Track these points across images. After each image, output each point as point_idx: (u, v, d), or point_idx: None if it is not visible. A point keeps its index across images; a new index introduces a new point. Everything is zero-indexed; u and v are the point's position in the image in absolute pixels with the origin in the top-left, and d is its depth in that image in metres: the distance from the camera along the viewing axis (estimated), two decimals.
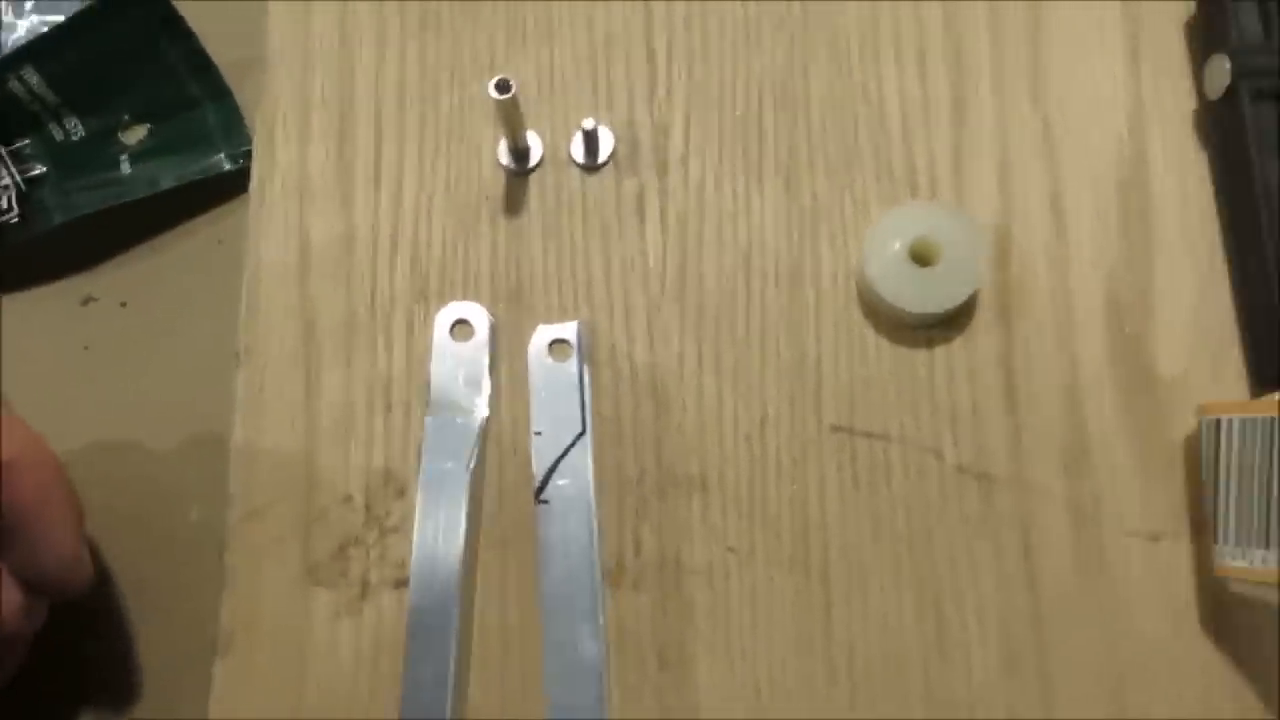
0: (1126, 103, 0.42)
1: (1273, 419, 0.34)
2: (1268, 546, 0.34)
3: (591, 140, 0.41)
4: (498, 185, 0.42)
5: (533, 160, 0.42)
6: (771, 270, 0.41)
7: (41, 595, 0.33)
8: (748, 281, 0.41)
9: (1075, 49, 0.43)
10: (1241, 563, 0.35)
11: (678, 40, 0.43)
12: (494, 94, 0.37)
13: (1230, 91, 0.39)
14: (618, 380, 0.40)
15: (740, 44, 0.43)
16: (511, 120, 0.39)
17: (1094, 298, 0.40)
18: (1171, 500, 0.38)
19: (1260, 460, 0.34)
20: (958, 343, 0.40)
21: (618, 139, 0.42)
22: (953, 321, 0.40)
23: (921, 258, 0.39)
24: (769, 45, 0.43)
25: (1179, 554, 0.38)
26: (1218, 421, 0.36)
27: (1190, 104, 0.42)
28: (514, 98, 0.37)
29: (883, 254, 0.39)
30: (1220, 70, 0.40)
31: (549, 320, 0.40)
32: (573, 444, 0.38)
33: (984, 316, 0.40)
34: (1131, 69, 0.43)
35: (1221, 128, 0.40)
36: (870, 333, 0.40)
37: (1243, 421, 0.35)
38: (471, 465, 0.38)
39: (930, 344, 0.40)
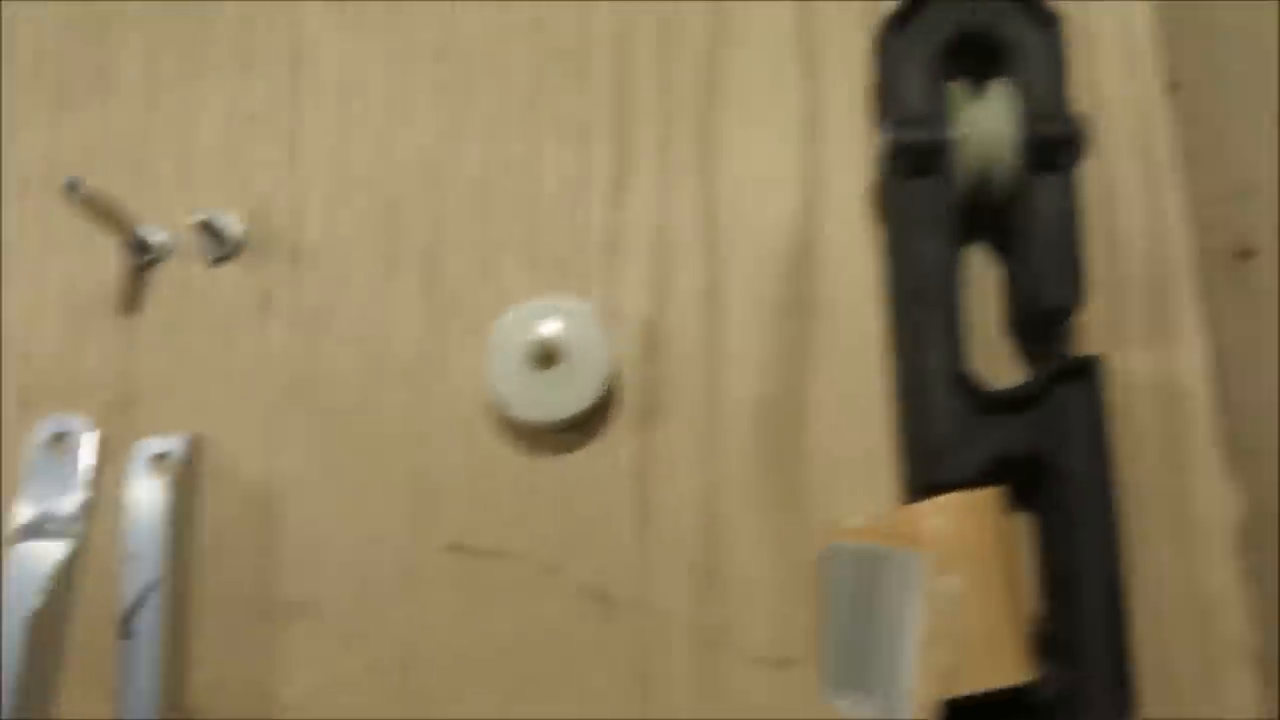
0: (800, 182, 0.39)
1: (867, 547, 0.31)
2: (863, 692, 0.31)
3: (213, 231, 0.39)
4: (117, 283, 0.39)
5: (155, 254, 0.39)
6: (401, 371, 0.38)
7: None
8: (375, 384, 0.38)
9: (750, 122, 0.40)
10: (842, 704, 0.32)
11: (323, 116, 0.41)
12: (67, 194, 0.35)
13: (888, 167, 0.36)
14: (226, 496, 0.37)
15: (389, 118, 0.40)
16: (103, 218, 0.37)
17: (744, 400, 0.37)
18: (808, 623, 0.35)
19: (857, 593, 0.31)
20: (591, 449, 0.37)
21: (250, 227, 0.39)
22: (587, 425, 0.37)
23: (544, 358, 0.36)
24: (421, 119, 0.40)
25: (810, 681, 0.35)
26: (830, 546, 0.33)
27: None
28: (91, 196, 0.35)
29: (502, 355, 0.36)
30: (881, 144, 0.36)
31: (161, 431, 0.38)
32: (163, 571, 0.36)
33: (624, 420, 0.37)
34: (808, 143, 0.39)
35: (883, 207, 0.37)
36: (499, 439, 0.37)
37: (847, 548, 0.32)
38: (48, 601, 0.35)
39: (561, 450, 0.37)
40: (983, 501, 0.32)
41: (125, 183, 0.40)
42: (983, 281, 0.37)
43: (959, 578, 0.30)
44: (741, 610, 0.35)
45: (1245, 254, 0.38)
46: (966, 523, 0.32)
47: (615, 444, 0.37)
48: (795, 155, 0.39)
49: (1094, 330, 0.36)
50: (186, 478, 0.37)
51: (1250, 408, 0.37)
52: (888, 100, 0.36)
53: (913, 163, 0.35)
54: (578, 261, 0.38)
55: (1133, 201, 0.38)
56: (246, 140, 0.40)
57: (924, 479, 0.34)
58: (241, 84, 0.41)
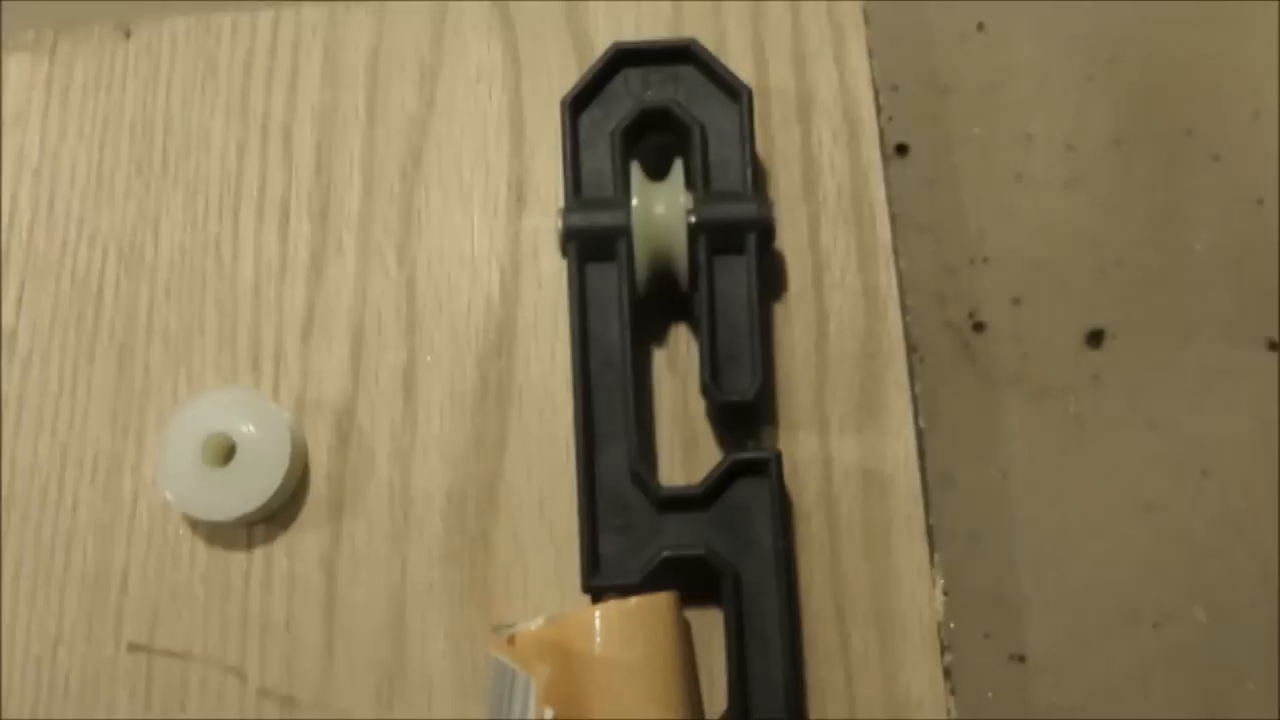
0: (502, 259, 0.38)
1: (502, 662, 0.30)
2: None
3: None
4: None
5: None
6: (90, 462, 0.37)
7: None
8: (61, 475, 0.37)
9: (454, 193, 0.38)
10: None
11: (23, 194, 0.39)
12: None
13: (569, 251, 0.35)
14: None
15: (91, 196, 0.39)
16: None
17: (435, 490, 0.36)
18: None
19: (495, 709, 0.30)
20: (280, 543, 0.36)
21: None
22: (278, 518, 0.36)
23: (217, 455, 0.35)
24: (121, 197, 0.39)
25: None
26: (490, 656, 0.32)
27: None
28: None
29: (173, 453, 0.35)
30: (561, 228, 0.35)
31: None
32: None
33: (314, 512, 0.36)
34: (511, 218, 0.38)
35: (569, 292, 0.36)
36: (186, 533, 0.36)
37: (497, 661, 0.31)
38: None
39: (250, 545, 0.36)
40: (651, 607, 0.31)
41: None
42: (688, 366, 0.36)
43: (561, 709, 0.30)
44: (424, 712, 0.34)
45: (978, 327, 0.37)
46: (634, 630, 0.31)
47: (304, 538, 0.36)
48: (498, 233, 0.38)
49: (799, 415, 0.35)
50: None
51: (976, 488, 0.36)
52: (573, 180, 0.35)
53: (590, 247, 0.34)
54: (272, 345, 0.37)
55: (847, 278, 0.37)
56: None
57: (593, 581, 0.33)
58: None
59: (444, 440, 0.36)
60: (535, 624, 0.32)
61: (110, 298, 0.38)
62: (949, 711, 0.32)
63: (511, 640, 0.31)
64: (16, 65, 0.40)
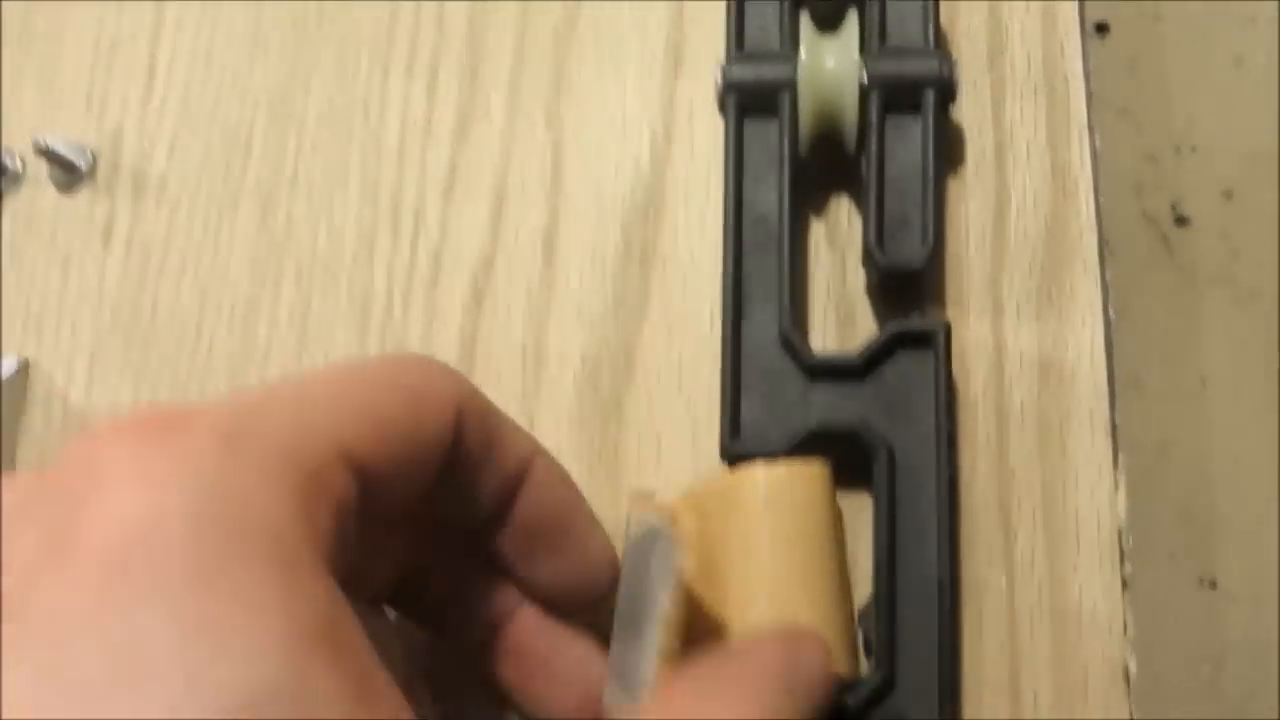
0: (653, 123, 0.36)
1: (647, 518, 0.28)
2: (614, 676, 0.27)
3: (57, 159, 0.38)
4: None
5: (7, 179, 0.39)
6: (227, 307, 0.36)
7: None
8: (202, 322, 0.36)
9: (608, 57, 0.37)
10: (607, 691, 0.28)
11: (182, 47, 0.39)
12: None
13: (727, 107, 0.32)
14: (50, 422, 0.36)
15: (245, 51, 0.39)
16: None
17: (570, 352, 0.34)
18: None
19: (633, 569, 0.28)
20: None
21: (98, 156, 0.38)
22: None
23: None
24: (275, 52, 0.39)
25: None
26: (631, 516, 0.30)
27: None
28: None
29: None
30: (720, 82, 0.33)
31: None
32: None
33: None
34: (667, 82, 0.36)
35: (725, 150, 0.33)
36: None
37: (639, 518, 0.29)
38: None
39: None
40: (803, 474, 0.29)
41: None
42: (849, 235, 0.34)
43: (732, 560, 0.27)
44: None
45: (1180, 221, 0.33)
46: (782, 496, 0.28)
47: None
48: (653, 96, 0.36)
49: (970, 297, 0.32)
50: (14, 399, 0.36)
51: (1168, 393, 0.33)
52: (736, 33, 0.33)
53: (750, 103, 0.32)
54: (413, 203, 0.36)
55: (1033, 155, 0.33)
56: (106, 70, 0.39)
57: (734, 447, 0.30)
58: (107, 11, 0.40)
59: (582, 303, 0.34)
60: (675, 488, 0.29)
61: (258, 151, 0.38)
62: (1126, 629, 0.29)
63: (645, 504, 0.29)
64: None
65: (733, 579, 0.28)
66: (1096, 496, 0.30)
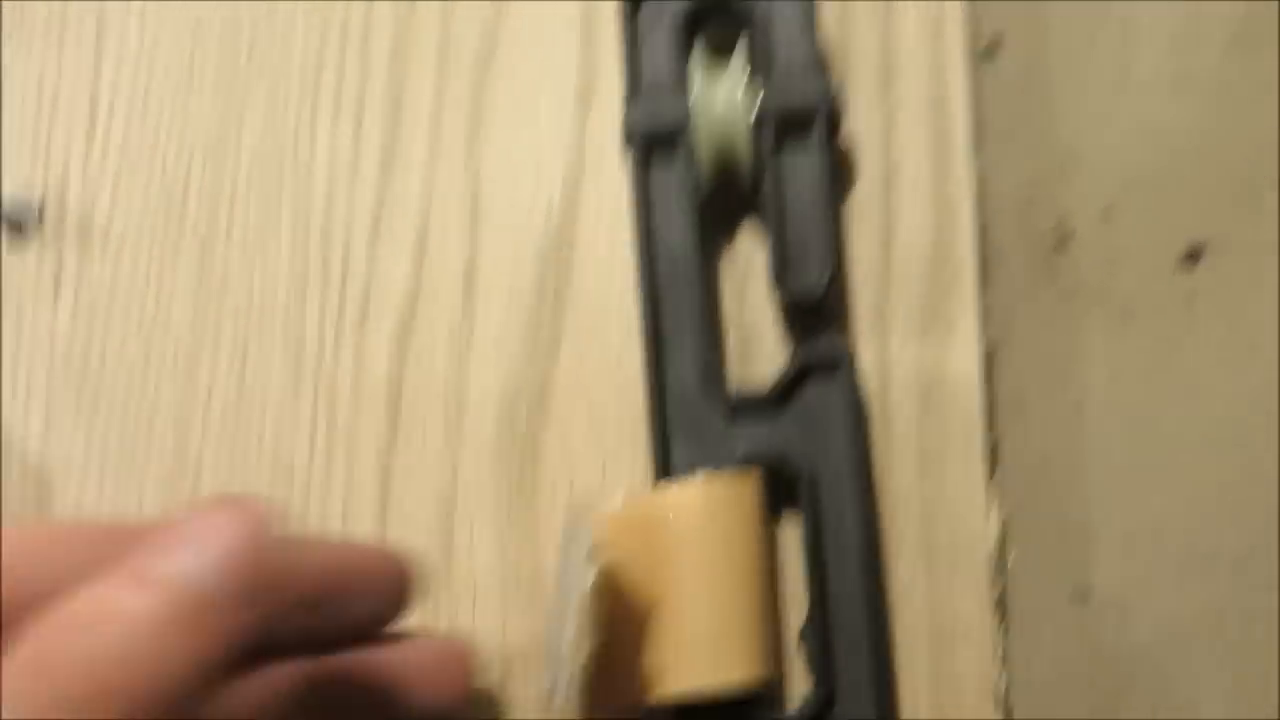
0: (568, 160, 0.37)
1: (572, 531, 0.30)
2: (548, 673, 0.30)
3: (5, 219, 0.39)
4: None
5: None
6: (170, 356, 0.38)
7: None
8: (145, 368, 0.38)
9: (523, 94, 0.37)
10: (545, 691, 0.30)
11: (121, 88, 0.40)
12: None
13: (630, 149, 0.33)
14: (6, 475, 0.38)
15: (182, 92, 0.40)
16: None
17: (489, 390, 0.36)
18: (534, 627, 0.34)
19: (560, 578, 0.30)
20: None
21: (44, 207, 0.40)
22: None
23: None
24: (209, 90, 0.40)
25: (532, 685, 0.34)
26: (566, 529, 0.32)
27: None
28: None
29: None
30: (622, 125, 0.34)
31: None
32: None
33: (372, 406, 0.36)
34: (580, 119, 0.37)
35: (631, 191, 0.34)
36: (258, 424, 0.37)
37: (572, 531, 0.31)
38: None
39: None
40: (735, 485, 0.31)
41: None
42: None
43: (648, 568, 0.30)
44: (470, 610, 0.34)
45: (1062, 241, 0.34)
46: (714, 505, 0.31)
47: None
48: (565, 130, 0.37)
49: (858, 322, 0.34)
50: None
51: (1048, 413, 0.34)
52: (631, 74, 0.34)
53: (651, 144, 0.33)
54: (342, 241, 0.38)
55: (919, 180, 0.34)
56: (50, 118, 0.41)
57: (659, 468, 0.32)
58: (48, 59, 0.41)
59: (499, 341, 0.36)
60: (610, 504, 0.32)
61: (195, 194, 0.39)
62: (997, 646, 0.30)
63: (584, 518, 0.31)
64: None
65: (668, 581, 0.30)
66: (972, 518, 0.31)
